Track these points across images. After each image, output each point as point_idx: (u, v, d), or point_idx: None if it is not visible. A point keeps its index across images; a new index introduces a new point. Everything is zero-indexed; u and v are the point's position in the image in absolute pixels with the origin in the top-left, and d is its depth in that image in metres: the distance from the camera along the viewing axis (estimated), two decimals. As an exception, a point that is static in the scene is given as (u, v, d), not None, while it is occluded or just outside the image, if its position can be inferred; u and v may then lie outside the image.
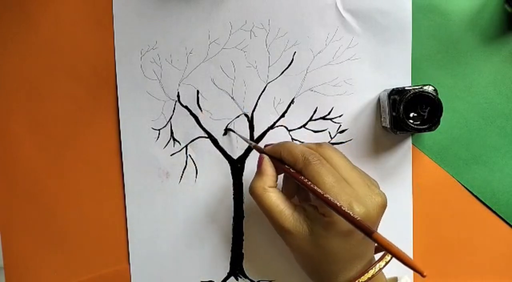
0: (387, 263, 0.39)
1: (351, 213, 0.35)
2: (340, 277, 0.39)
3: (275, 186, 0.41)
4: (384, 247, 0.33)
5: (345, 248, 0.38)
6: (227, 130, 0.48)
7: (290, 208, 0.40)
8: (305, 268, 0.42)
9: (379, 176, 0.47)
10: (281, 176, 0.44)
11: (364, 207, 0.37)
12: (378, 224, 0.39)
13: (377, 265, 0.39)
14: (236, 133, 0.47)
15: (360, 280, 0.38)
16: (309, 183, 0.38)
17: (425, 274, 0.32)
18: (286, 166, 0.40)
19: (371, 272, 0.38)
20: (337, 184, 0.37)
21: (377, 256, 0.41)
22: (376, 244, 0.40)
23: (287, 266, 0.48)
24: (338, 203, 0.36)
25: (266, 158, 0.42)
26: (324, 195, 0.36)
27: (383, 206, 0.39)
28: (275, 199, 0.40)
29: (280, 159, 0.41)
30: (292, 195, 0.43)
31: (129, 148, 0.49)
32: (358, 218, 0.35)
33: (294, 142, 0.47)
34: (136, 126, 0.49)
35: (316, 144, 0.42)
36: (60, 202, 0.50)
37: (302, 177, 0.39)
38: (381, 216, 0.39)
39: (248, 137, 0.48)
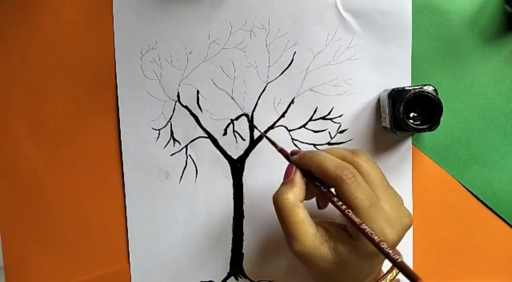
0: (396, 274, 0.38)
1: (382, 244, 0.33)
2: None
3: (303, 201, 0.38)
4: (411, 278, 0.32)
5: (366, 266, 0.37)
6: (264, 137, 0.46)
7: (314, 228, 0.37)
8: (316, 281, 0.40)
9: (379, 176, 0.47)
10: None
11: (395, 231, 0.36)
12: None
13: (388, 277, 0.38)
14: (267, 137, 0.44)
15: None
16: (343, 206, 0.36)
17: None
18: (317, 183, 0.38)
19: None
20: (372, 208, 0.35)
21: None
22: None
23: (287, 266, 0.48)
24: (375, 237, 0.34)
25: (298, 169, 0.39)
26: (361, 225, 0.34)
27: (409, 227, 0.38)
28: (303, 216, 0.37)
29: (309, 171, 0.38)
30: (309, 198, 0.41)
31: (129, 148, 0.49)
32: (388, 250, 0.33)
33: (291, 132, 0.45)
34: (136, 126, 0.49)
35: (352, 152, 0.38)
36: (60, 202, 0.50)
37: (335, 199, 0.36)
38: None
39: (248, 137, 0.48)
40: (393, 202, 0.37)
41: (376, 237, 0.34)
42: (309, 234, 0.36)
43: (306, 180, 0.39)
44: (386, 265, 0.39)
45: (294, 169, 0.39)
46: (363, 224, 0.35)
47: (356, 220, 0.35)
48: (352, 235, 0.36)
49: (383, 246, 0.33)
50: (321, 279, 0.39)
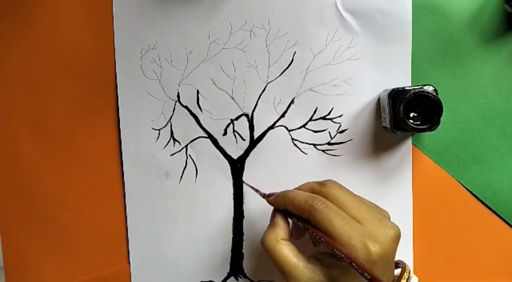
0: (409, 276, 0.39)
1: (361, 271, 0.34)
2: None
3: (288, 239, 0.40)
4: None
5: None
6: (244, 183, 0.49)
7: (304, 260, 0.38)
8: None
9: (379, 176, 0.47)
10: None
11: (379, 244, 0.36)
12: (395, 256, 0.38)
13: None
14: (248, 185, 0.47)
15: None
16: (318, 236, 0.37)
17: None
18: (294, 219, 0.39)
19: None
20: (347, 226, 0.36)
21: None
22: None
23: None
24: (341, 253, 0.35)
25: (278, 211, 0.41)
26: (335, 245, 0.35)
27: (397, 238, 0.38)
28: (287, 251, 0.38)
29: (285, 210, 0.40)
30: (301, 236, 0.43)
31: (129, 148, 0.49)
32: (369, 277, 0.34)
33: (290, 132, 0.45)
34: (136, 126, 0.49)
35: (319, 183, 0.40)
36: (60, 202, 0.50)
37: (310, 230, 0.37)
38: (397, 248, 0.38)
39: (248, 137, 0.48)
40: (371, 217, 0.38)
41: (345, 257, 0.35)
42: (299, 267, 0.37)
43: (288, 218, 0.40)
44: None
45: (275, 211, 0.41)
46: (335, 248, 0.35)
47: (330, 242, 0.36)
48: (339, 257, 0.37)
49: (352, 262, 0.34)
50: None
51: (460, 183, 0.47)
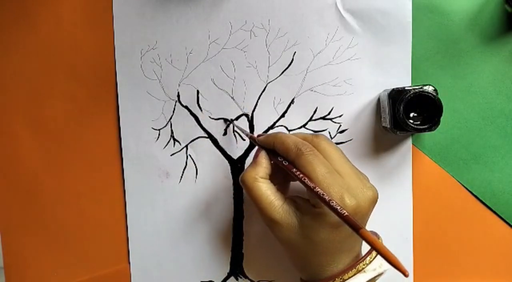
0: (373, 259, 0.39)
1: (339, 207, 0.35)
2: (327, 269, 0.39)
3: (267, 178, 0.41)
4: (370, 244, 0.33)
5: (334, 240, 0.38)
6: (227, 121, 0.48)
7: (280, 199, 0.39)
8: (292, 259, 0.42)
9: (379, 176, 0.47)
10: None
11: (355, 199, 0.37)
12: (368, 218, 0.39)
13: (366, 260, 0.39)
14: (236, 125, 0.47)
15: (348, 275, 0.38)
16: (301, 175, 0.38)
17: (407, 273, 0.31)
18: (279, 158, 0.40)
19: (358, 267, 0.38)
20: (329, 175, 0.37)
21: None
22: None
23: (287, 266, 0.48)
24: (327, 197, 0.36)
25: (261, 150, 0.42)
26: (315, 188, 0.36)
27: (374, 200, 0.39)
28: (265, 189, 0.39)
29: (273, 149, 0.41)
30: (284, 189, 0.44)
31: (129, 148, 0.49)
32: (346, 213, 0.34)
33: (290, 132, 0.46)
34: (136, 126, 0.49)
35: (313, 134, 0.42)
36: (60, 202, 0.50)
37: (294, 169, 0.38)
38: (372, 210, 0.39)
39: (248, 137, 0.48)
40: (353, 174, 0.39)
41: (331, 201, 0.35)
42: (274, 205, 0.39)
43: (271, 158, 0.41)
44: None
45: (259, 151, 0.42)
46: (318, 188, 0.36)
47: (311, 184, 0.37)
48: (314, 204, 0.38)
49: (336, 207, 0.35)
50: (296, 258, 0.41)
51: (460, 183, 0.47)
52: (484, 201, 0.47)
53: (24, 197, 0.51)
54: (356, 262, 0.39)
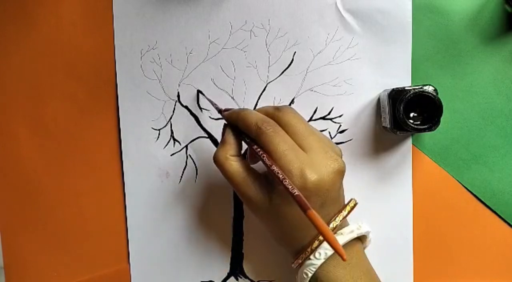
0: (348, 213, 0.39)
1: (290, 187, 0.35)
2: (304, 242, 0.39)
3: (238, 155, 0.41)
4: (316, 226, 0.33)
5: (301, 215, 0.37)
6: (197, 93, 0.48)
7: (253, 176, 0.40)
8: (272, 235, 0.42)
9: (379, 176, 0.47)
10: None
11: (317, 173, 0.37)
12: (338, 190, 0.39)
13: (335, 219, 0.39)
14: (206, 97, 0.47)
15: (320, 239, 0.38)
16: (261, 152, 0.38)
17: (345, 257, 0.32)
18: (243, 136, 0.41)
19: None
20: (290, 151, 0.37)
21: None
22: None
23: (287, 266, 0.48)
24: (281, 176, 0.36)
25: (228, 128, 0.42)
26: (271, 167, 0.37)
27: (339, 172, 0.38)
28: (237, 167, 0.40)
29: (236, 126, 0.41)
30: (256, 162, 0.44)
31: (129, 148, 0.49)
32: (296, 193, 0.35)
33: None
34: (136, 126, 0.49)
35: (275, 107, 0.41)
36: (60, 202, 0.50)
37: (255, 147, 0.39)
38: (338, 182, 0.39)
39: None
40: (318, 148, 0.38)
41: (286, 181, 0.35)
42: (247, 183, 0.39)
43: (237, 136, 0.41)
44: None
45: (226, 128, 0.42)
46: (274, 166, 0.37)
47: (268, 163, 0.37)
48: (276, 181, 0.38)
49: (288, 186, 0.35)
50: (273, 233, 0.42)
51: (460, 183, 0.47)
52: (484, 201, 0.47)
53: (24, 197, 0.51)
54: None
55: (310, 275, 0.39)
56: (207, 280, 0.50)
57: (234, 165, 0.40)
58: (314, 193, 0.37)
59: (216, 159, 0.41)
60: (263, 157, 0.38)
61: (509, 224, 0.47)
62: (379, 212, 0.47)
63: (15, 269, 0.51)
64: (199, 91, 0.48)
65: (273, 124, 0.39)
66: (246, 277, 0.49)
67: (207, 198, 0.49)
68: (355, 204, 0.41)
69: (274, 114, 0.40)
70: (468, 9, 0.46)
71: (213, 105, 0.46)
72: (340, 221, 0.39)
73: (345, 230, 0.40)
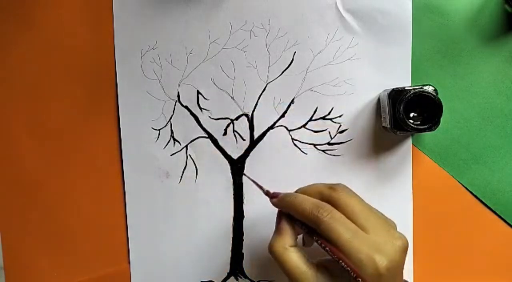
0: None
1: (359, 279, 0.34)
2: None
3: (296, 245, 0.39)
4: None
5: None
6: (245, 176, 0.48)
7: (313, 268, 0.37)
8: None
9: (379, 176, 0.47)
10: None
11: (386, 256, 0.35)
12: (403, 266, 0.38)
13: None
14: (250, 179, 0.44)
15: None
16: (323, 245, 0.36)
17: None
18: (300, 225, 0.38)
19: None
20: (354, 238, 0.35)
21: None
22: None
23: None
24: (353, 274, 0.34)
25: (283, 216, 0.39)
26: (339, 261, 0.35)
27: (405, 249, 0.37)
28: (296, 259, 0.37)
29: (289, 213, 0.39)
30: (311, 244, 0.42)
31: (129, 147, 0.49)
32: None
33: (291, 132, 0.43)
34: (136, 126, 0.49)
35: (329, 187, 0.39)
36: (60, 202, 0.50)
37: (321, 243, 0.37)
38: (404, 258, 0.37)
39: (248, 137, 0.48)
40: (380, 228, 0.37)
41: (352, 273, 0.34)
42: (308, 276, 0.37)
43: (294, 223, 0.39)
44: None
45: (281, 217, 0.39)
46: (341, 260, 0.35)
47: (335, 256, 0.35)
48: (345, 270, 0.36)
49: (358, 278, 0.34)
50: None
51: (460, 183, 0.47)
52: (484, 201, 0.47)
53: (24, 197, 0.51)
54: None
55: None
56: (207, 280, 0.50)
57: (294, 257, 0.37)
58: (385, 276, 0.35)
59: (273, 250, 0.38)
60: (327, 248, 0.36)
61: (509, 224, 0.47)
62: (379, 212, 0.47)
63: (15, 269, 0.51)
64: (245, 175, 0.48)
65: (329, 210, 0.36)
66: (246, 277, 0.49)
67: (207, 198, 0.49)
68: None
69: (330, 195, 0.38)
70: (468, 9, 0.46)
71: (259, 187, 0.43)
72: None
73: None
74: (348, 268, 0.35)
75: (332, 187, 0.39)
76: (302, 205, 0.37)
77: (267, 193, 0.42)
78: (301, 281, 0.37)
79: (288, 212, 0.39)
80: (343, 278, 0.36)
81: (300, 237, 0.41)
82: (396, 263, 0.36)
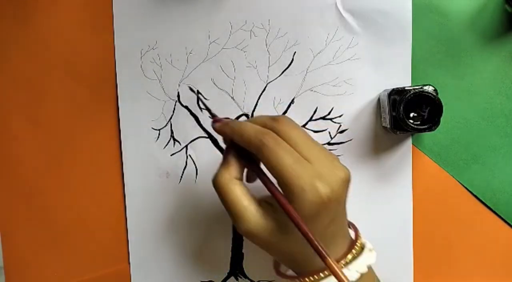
0: (360, 248, 0.38)
1: (295, 215, 0.33)
2: (316, 260, 0.35)
3: (241, 179, 0.38)
4: (333, 273, 0.33)
5: (315, 229, 0.35)
6: (193, 91, 0.47)
7: (255, 204, 0.36)
8: (277, 258, 0.40)
9: (379, 176, 0.47)
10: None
11: (329, 185, 0.34)
12: (345, 202, 0.37)
13: (353, 251, 0.37)
14: (202, 100, 0.45)
15: (348, 259, 0.36)
16: (275, 193, 0.35)
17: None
18: (243, 160, 0.38)
19: (349, 256, 0.37)
20: (296, 164, 0.34)
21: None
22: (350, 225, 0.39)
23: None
24: (294, 218, 0.34)
25: (230, 147, 0.38)
26: (287, 209, 0.34)
27: (347, 181, 0.36)
28: (240, 192, 0.36)
29: (231, 140, 0.38)
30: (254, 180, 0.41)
31: (129, 148, 0.49)
32: (314, 241, 0.33)
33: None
34: (136, 126, 0.49)
35: (272, 118, 0.38)
36: (60, 202, 0.50)
37: (263, 177, 0.36)
38: (347, 191, 0.37)
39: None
40: (323, 159, 0.36)
41: (289, 209, 0.34)
42: (250, 210, 0.36)
43: (237, 155, 0.38)
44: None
45: (229, 150, 0.38)
46: (280, 196, 0.34)
47: (274, 190, 0.35)
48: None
49: (295, 217, 0.34)
50: (280, 257, 0.39)
51: (460, 183, 0.47)
52: (484, 201, 0.47)
53: (24, 197, 0.51)
54: (347, 250, 0.37)
55: None
56: (207, 280, 0.50)
57: (237, 189, 0.37)
58: (327, 207, 0.34)
59: (217, 181, 0.37)
60: (275, 194, 0.35)
61: (509, 224, 0.47)
62: (379, 212, 0.47)
63: (15, 269, 0.51)
64: (198, 93, 0.47)
65: (274, 136, 0.35)
66: (246, 277, 0.49)
67: (207, 198, 0.49)
68: (364, 243, 0.39)
69: (272, 126, 0.37)
70: (468, 9, 0.46)
71: (208, 110, 0.43)
72: (350, 259, 0.37)
73: (354, 264, 0.37)
74: (280, 202, 0.34)
75: (275, 118, 0.38)
76: (247, 131, 0.36)
77: (213, 116, 0.41)
78: (242, 215, 0.36)
79: (230, 138, 0.38)
80: (284, 214, 0.35)
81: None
82: (339, 195, 0.35)
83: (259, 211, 0.36)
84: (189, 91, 0.48)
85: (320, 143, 0.39)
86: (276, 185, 0.36)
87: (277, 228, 0.36)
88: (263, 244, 0.37)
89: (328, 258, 0.33)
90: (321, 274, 0.36)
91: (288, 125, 0.37)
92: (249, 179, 0.41)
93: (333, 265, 0.33)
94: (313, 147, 0.36)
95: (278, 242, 0.36)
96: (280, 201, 0.34)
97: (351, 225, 0.41)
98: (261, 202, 0.37)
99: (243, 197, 0.36)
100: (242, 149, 0.37)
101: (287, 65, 0.47)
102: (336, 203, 0.35)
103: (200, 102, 0.45)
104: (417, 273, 0.47)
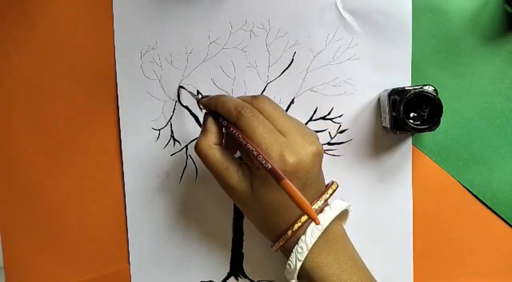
0: (333, 191, 0.40)
1: (264, 161, 0.36)
2: (286, 227, 0.39)
3: (221, 144, 0.42)
4: (289, 194, 0.35)
5: (283, 199, 0.38)
6: (179, 88, 0.48)
7: (235, 165, 0.40)
8: (255, 224, 0.43)
9: (379, 176, 0.47)
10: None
11: (296, 155, 0.38)
12: (317, 172, 0.40)
13: (324, 196, 0.40)
14: (185, 88, 0.47)
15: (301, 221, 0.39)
16: (239, 135, 0.39)
17: (317, 222, 0.35)
18: (220, 119, 0.41)
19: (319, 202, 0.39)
20: (269, 134, 0.38)
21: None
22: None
23: (287, 266, 0.48)
24: (255, 152, 0.37)
25: (209, 116, 0.42)
26: (247, 145, 0.38)
27: (318, 154, 0.39)
28: (220, 156, 0.40)
29: (215, 111, 0.41)
30: (235, 152, 0.44)
31: (129, 147, 0.49)
32: (270, 167, 0.36)
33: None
34: (136, 126, 0.49)
35: (252, 96, 0.42)
36: (60, 201, 0.50)
37: (233, 130, 0.39)
38: (318, 164, 0.40)
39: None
40: (296, 133, 0.39)
41: (260, 157, 0.37)
42: (230, 171, 0.40)
43: (216, 123, 0.41)
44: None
45: (207, 117, 0.42)
46: (249, 145, 0.38)
47: (244, 142, 0.38)
48: (258, 166, 0.38)
49: (261, 160, 0.36)
50: (256, 221, 0.42)
51: (460, 183, 0.47)
52: (484, 201, 0.47)
53: (24, 197, 0.51)
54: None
55: (295, 264, 0.39)
56: (207, 280, 0.50)
57: (217, 154, 0.40)
58: (294, 175, 0.38)
59: (198, 148, 0.41)
60: (239, 137, 0.38)
61: (509, 224, 0.47)
62: (379, 212, 0.47)
63: (15, 269, 0.51)
64: (180, 87, 0.48)
65: (252, 109, 0.39)
66: (246, 277, 0.49)
67: (207, 198, 0.49)
68: (337, 187, 0.41)
69: (251, 102, 0.41)
70: (468, 9, 0.46)
71: (192, 96, 0.46)
72: (323, 203, 0.40)
73: (326, 209, 0.40)
74: (253, 152, 0.37)
75: (254, 96, 0.42)
76: (228, 103, 0.40)
77: (198, 99, 0.44)
78: (225, 175, 0.40)
79: (215, 110, 0.41)
80: (255, 175, 0.39)
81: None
82: (306, 164, 0.38)
83: (238, 172, 0.40)
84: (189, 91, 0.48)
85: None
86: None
87: (256, 183, 0.39)
88: (240, 203, 0.41)
89: (285, 179, 0.35)
90: (295, 226, 0.39)
91: (266, 102, 0.41)
92: (230, 150, 0.44)
93: (303, 199, 0.35)
94: (287, 122, 0.40)
95: (253, 204, 0.40)
96: (255, 150, 0.37)
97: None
98: (242, 164, 0.41)
99: (223, 159, 0.40)
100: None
101: (287, 65, 0.47)
102: (304, 172, 0.38)
103: (184, 90, 0.48)
104: (417, 273, 0.47)
